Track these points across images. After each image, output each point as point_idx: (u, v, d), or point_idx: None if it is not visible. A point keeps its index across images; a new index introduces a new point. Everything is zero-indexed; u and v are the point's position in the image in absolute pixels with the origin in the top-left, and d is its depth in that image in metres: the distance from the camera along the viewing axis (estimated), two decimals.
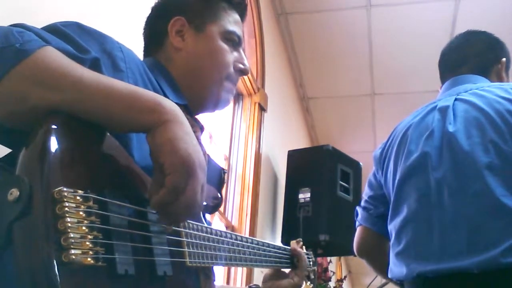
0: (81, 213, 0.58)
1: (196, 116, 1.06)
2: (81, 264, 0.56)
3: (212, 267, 0.93)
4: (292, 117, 4.45)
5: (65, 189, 0.57)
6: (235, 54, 1.05)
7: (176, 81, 0.99)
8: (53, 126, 0.60)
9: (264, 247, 1.13)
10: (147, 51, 1.07)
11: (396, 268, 1.35)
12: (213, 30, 1.02)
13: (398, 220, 1.38)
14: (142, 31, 1.10)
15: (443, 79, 1.59)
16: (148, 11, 1.10)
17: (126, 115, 0.67)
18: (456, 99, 1.40)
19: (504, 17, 3.49)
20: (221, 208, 2.81)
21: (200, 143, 0.98)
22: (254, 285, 1.21)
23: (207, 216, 1.06)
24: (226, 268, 2.67)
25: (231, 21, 1.05)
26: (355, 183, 3.34)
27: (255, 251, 1.07)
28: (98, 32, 0.81)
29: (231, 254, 0.96)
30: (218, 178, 1.06)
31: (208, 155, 1.06)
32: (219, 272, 2.60)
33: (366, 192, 1.61)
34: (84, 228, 0.58)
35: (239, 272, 2.75)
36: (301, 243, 1.36)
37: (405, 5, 3.65)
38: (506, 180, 1.21)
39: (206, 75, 1.01)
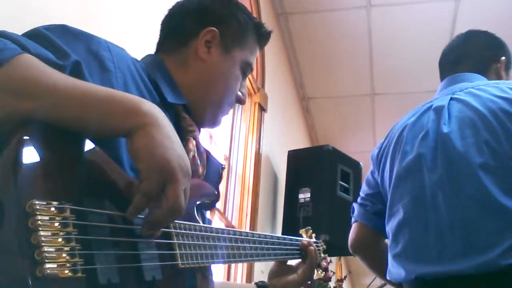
0: (56, 224, 0.57)
1: None
2: (57, 277, 0.55)
3: (210, 266, 0.92)
4: (292, 117, 4.45)
5: (37, 201, 0.56)
6: (242, 83, 1.07)
7: (178, 83, 0.97)
8: (25, 137, 0.59)
9: (273, 240, 1.11)
10: (162, 44, 1.04)
11: (395, 269, 1.34)
12: (237, 56, 1.02)
13: (394, 222, 1.37)
14: (164, 17, 1.06)
15: (442, 78, 1.58)
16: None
17: (102, 121, 0.66)
18: (451, 99, 1.39)
19: (504, 17, 3.49)
20: (221, 208, 2.81)
21: (198, 142, 0.97)
22: (260, 282, 1.20)
23: (207, 214, 1.05)
24: (226, 266, 2.67)
25: (253, 53, 1.06)
26: (355, 183, 3.34)
27: (257, 245, 1.05)
28: (84, 33, 0.80)
29: (230, 251, 0.95)
30: (217, 174, 1.06)
31: (208, 151, 1.06)
32: (219, 271, 2.60)
33: (363, 190, 1.60)
34: (60, 240, 0.57)
35: (239, 271, 2.75)
36: (311, 231, 1.35)
37: (405, 5, 3.65)
38: (501, 180, 1.20)
39: (215, 95, 1.01)
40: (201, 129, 1.06)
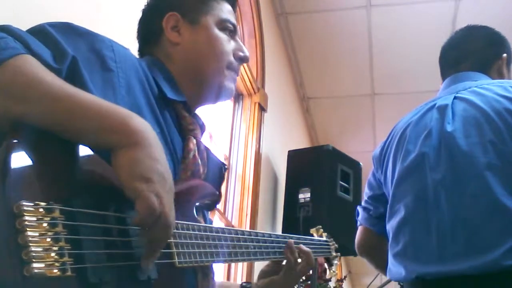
0: (44, 225, 0.58)
1: (198, 114, 1.06)
2: (45, 276, 0.55)
3: (211, 266, 0.92)
4: (292, 117, 4.45)
5: (24, 202, 0.56)
6: (233, 43, 1.05)
7: (175, 77, 0.98)
8: (14, 140, 0.59)
9: (279, 239, 1.10)
10: (143, 50, 1.06)
11: (395, 268, 1.34)
12: (208, 21, 1.02)
13: (395, 220, 1.37)
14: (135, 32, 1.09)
15: (443, 76, 1.57)
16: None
17: (89, 133, 0.66)
18: (455, 98, 1.38)
19: (504, 17, 3.48)
20: (221, 208, 2.81)
21: (198, 141, 0.98)
22: (245, 282, 1.19)
23: (208, 213, 1.05)
24: (226, 265, 2.67)
25: (224, 11, 1.05)
26: (355, 183, 3.34)
27: (260, 244, 1.04)
28: (89, 32, 0.80)
29: (230, 250, 0.94)
30: (218, 174, 1.06)
31: (209, 150, 1.05)
32: (219, 269, 2.60)
33: (366, 192, 1.61)
34: (48, 240, 0.57)
35: (239, 270, 2.75)
36: (321, 230, 1.35)
37: (405, 5, 3.65)
38: (505, 180, 1.20)
39: (207, 65, 1.00)
40: (206, 124, 1.06)
